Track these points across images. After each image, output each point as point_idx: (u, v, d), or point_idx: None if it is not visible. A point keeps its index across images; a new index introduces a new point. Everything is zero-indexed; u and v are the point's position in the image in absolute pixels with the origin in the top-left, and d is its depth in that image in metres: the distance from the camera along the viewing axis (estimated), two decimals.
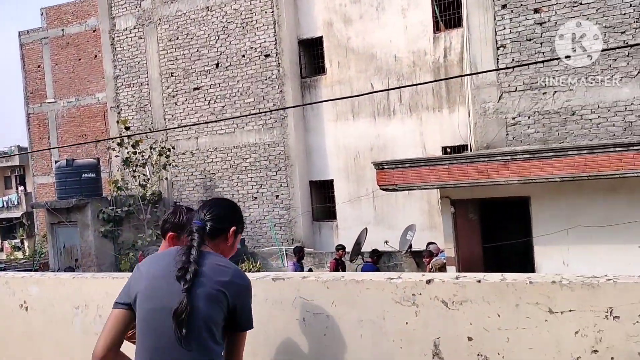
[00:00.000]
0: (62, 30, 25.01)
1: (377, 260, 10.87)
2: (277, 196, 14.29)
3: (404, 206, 13.23)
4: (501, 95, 11.35)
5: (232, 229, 2.30)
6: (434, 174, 8.04)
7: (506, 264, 10.29)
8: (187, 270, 2.07)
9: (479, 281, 2.68)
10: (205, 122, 14.19)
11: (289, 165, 14.10)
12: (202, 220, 2.24)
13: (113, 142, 14.80)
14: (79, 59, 24.45)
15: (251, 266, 12.58)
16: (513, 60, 11.09)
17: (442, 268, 9.22)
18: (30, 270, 14.21)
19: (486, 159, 7.69)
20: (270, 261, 13.79)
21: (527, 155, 7.42)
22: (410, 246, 11.89)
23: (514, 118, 11.25)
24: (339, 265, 10.89)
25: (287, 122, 14.03)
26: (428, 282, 2.76)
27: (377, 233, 13.08)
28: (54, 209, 13.37)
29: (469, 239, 8.96)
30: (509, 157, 7.55)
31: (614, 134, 10.38)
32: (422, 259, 10.22)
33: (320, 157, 14.31)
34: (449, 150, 12.80)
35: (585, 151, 7.01)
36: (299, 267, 10.77)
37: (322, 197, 14.62)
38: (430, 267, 9.60)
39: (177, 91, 15.36)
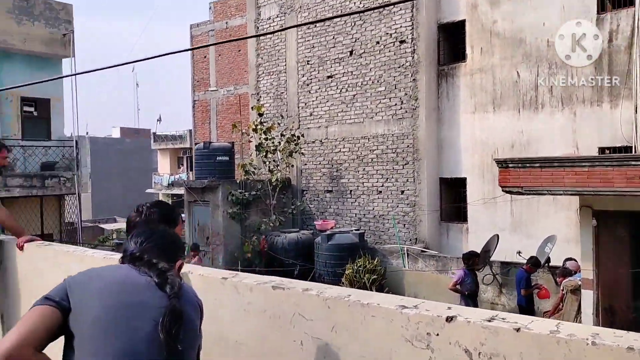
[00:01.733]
0: (226, 23, 26.72)
1: (533, 269, 9.44)
2: (403, 192, 13.46)
3: (546, 213, 11.54)
4: None
5: (179, 263, 2.05)
6: (570, 177, 6.63)
7: None
8: (167, 275, 1.82)
9: (518, 329, 1.85)
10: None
11: (417, 159, 13.17)
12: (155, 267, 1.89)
13: (249, 128, 15.24)
14: (239, 50, 25.89)
15: (367, 263, 11.98)
16: None
17: (575, 291, 7.72)
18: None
19: (639, 163, 6.11)
20: (390, 259, 13.05)
21: None
22: (548, 260, 10.29)
23: None
24: (468, 277, 9.48)
25: (418, 113, 13.09)
26: (449, 320, 1.98)
27: (512, 241, 11.61)
28: (190, 188, 14.18)
29: (613, 260, 7.33)
30: None
31: None
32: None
33: (454, 152, 13.12)
34: (607, 151, 10.81)
35: None
36: (469, 277, 9.35)
37: (453, 196, 13.43)
38: (562, 288, 8.11)
39: (311, 79, 15.28)
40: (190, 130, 38.97)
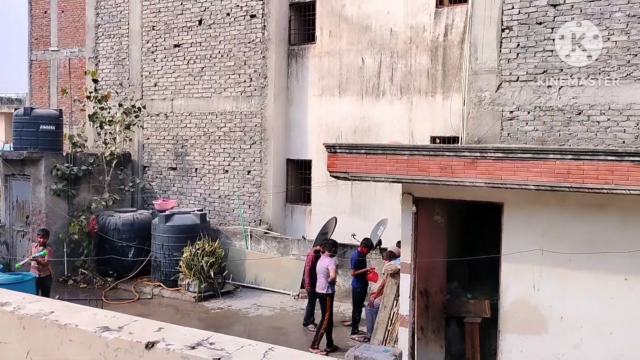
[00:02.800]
0: None
1: (366, 251, 9.66)
2: (249, 172, 13.11)
3: (383, 198, 11.93)
4: (500, 84, 9.90)
5: None
6: (392, 164, 6.74)
7: (475, 278, 8.98)
8: None
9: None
10: None
11: (264, 139, 12.86)
12: None
13: (82, 94, 13.74)
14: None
15: (207, 245, 11.46)
16: (518, 45, 9.61)
17: (395, 275, 7.98)
18: None
19: (452, 154, 6.36)
20: (234, 241, 12.68)
21: (500, 155, 6.06)
22: (380, 242, 10.64)
23: (511, 112, 9.82)
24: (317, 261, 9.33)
25: (267, 92, 12.75)
26: (148, 346, 1.59)
27: (351, 224, 11.85)
28: (6, 160, 12.43)
29: (431, 245, 7.68)
30: (478, 154, 6.20)
31: (624, 141, 8.89)
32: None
33: (301, 134, 13.04)
34: (437, 140, 11.41)
35: (569, 156, 5.64)
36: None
37: (299, 178, 13.39)
38: (384, 272, 8.37)
39: (156, 47, 14.17)
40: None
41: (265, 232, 12.56)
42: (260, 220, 12.97)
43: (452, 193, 7.08)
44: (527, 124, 9.67)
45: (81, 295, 11.25)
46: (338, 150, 7.07)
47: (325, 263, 8.92)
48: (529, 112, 9.61)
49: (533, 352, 6.60)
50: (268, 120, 12.77)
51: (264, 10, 12.66)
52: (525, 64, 9.62)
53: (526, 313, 6.70)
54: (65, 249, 12.43)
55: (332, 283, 8.85)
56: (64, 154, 12.62)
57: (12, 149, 12.81)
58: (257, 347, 1.58)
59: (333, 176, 7.19)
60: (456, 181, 6.37)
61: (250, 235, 12.53)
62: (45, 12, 24.97)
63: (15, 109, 13.28)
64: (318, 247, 9.74)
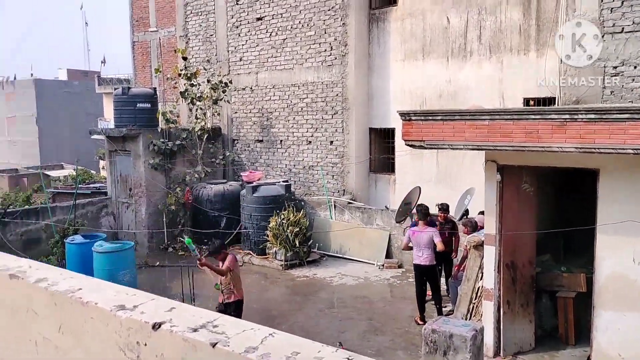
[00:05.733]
0: None
1: (423, 218, 8.48)
2: (332, 142, 13.06)
3: (471, 164, 11.36)
4: (602, 36, 8.92)
5: None
6: (470, 130, 6.32)
7: (569, 250, 8.33)
8: None
9: (214, 345, 1.48)
10: None
11: (346, 108, 12.71)
12: None
13: (173, 72, 14.37)
14: None
15: (291, 215, 11.67)
16: None
17: (479, 247, 7.60)
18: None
19: (538, 117, 5.81)
20: (318, 211, 12.80)
21: (592, 116, 5.44)
22: (466, 212, 10.19)
23: (615, 67, 8.87)
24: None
25: (347, 60, 12.52)
26: (155, 327, 1.59)
27: (436, 193, 11.45)
28: (109, 137, 13.38)
29: (518, 216, 7.18)
30: (567, 116, 5.61)
31: None
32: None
33: (383, 102, 12.70)
34: (531, 102, 10.59)
35: None
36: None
37: (383, 147, 13.12)
38: (466, 244, 8.00)
39: (240, 21, 14.39)
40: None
41: (349, 202, 12.53)
42: (344, 190, 12.95)
43: (540, 159, 6.54)
44: (633, 80, 8.68)
45: (179, 262, 11.99)
46: (413, 118, 6.77)
47: (429, 234, 8.32)
48: (635, 67, 8.61)
49: (631, 331, 6.03)
50: (349, 89, 12.58)
51: None
52: (632, 12, 8.57)
53: (624, 288, 6.10)
54: (164, 219, 13.25)
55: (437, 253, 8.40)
56: (159, 130, 13.34)
57: (114, 126, 13.74)
58: (258, 333, 1.51)
59: (408, 145, 6.90)
60: (543, 147, 5.85)
61: (334, 205, 12.56)
62: None
63: (116, 89, 14.15)
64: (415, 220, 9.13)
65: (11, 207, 14.94)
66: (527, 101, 10.70)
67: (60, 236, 11.58)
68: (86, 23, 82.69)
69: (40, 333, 2.11)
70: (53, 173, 33.40)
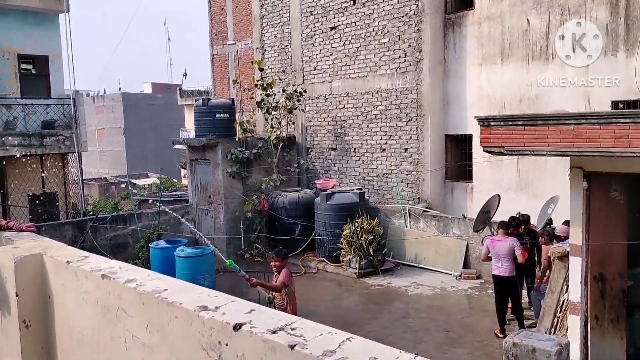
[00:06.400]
0: None
1: (505, 227, 8.25)
2: (406, 149, 12.92)
3: (554, 172, 10.84)
4: None
5: None
6: (554, 136, 6.03)
7: None
8: None
9: (293, 347, 1.53)
10: None
11: (421, 115, 12.54)
12: None
13: (250, 83, 14.82)
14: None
15: (365, 223, 11.64)
16: None
17: (564, 258, 7.21)
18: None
19: (628, 121, 5.45)
20: (392, 219, 12.68)
21: None
22: (549, 222, 9.71)
23: None
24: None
25: (422, 66, 12.36)
26: (236, 328, 1.66)
27: (517, 202, 11.03)
28: (190, 146, 14.00)
29: (607, 225, 6.75)
30: None
31: None
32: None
33: (460, 108, 12.42)
34: (620, 105, 9.97)
35: None
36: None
37: (459, 154, 12.81)
38: (549, 255, 7.61)
39: (315, 31, 14.62)
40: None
41: (424, 211, 12.32)
42: (419, 198, 12.75)
43: (632, 166, 6.13)
44: None
45: (256, 268, 12.28)
46: (492, 123, 6.56)
47: (510, 244, 8.03)
48: None
49: None
50: (424, 96, 12.40)
51: None
52: None
53: None
54: (241, 226, 13.65)
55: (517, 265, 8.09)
56: (237, 139, 13.78)
57: (195, 136, 14.36)
58: (335, 337, 1.53)
59: (487, 151, 6.69)
60: (634, 152, 5.48)
61: (409, 213, 12.40)
62: (222, 9, 27.32)
63: (196, 101, 14.80)
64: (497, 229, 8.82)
65: (101, 213, 15.97)
66: (615, 104, 10.08)
67: (146, 241, 12.23)
68: (169, 39, 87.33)
69: (129, 330, 2.24)
70: (139, 181, 35.37)
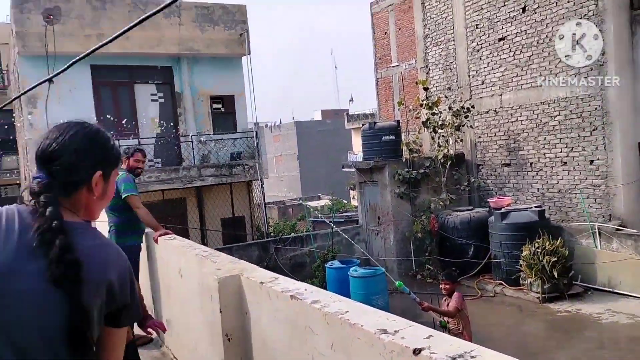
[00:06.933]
0: None
1: None
2: (592, 161, 11.72)
3: None
4: None
5: (98, 173, 1.57)
6: None
7: None
8: (65, 261, 1.40)
9: None
10: None
11: (607, 123, 11.30)
12: (49, 172, 1.50)
13: (415, 103, 14.85)
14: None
15: (547, 243, 10.77)
16: None
17: None
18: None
19: None
20: (579, 239, 11.54)
21: None
22: None
23: None
24: None
25: (605, 70, 11.19)
26: (416, 352, 1.76)
27: None
28: (358, 169, 14.44)
29: None
30: None
31: None
32: None
33: None
34: None
35: None
36: None
37: None
38: None
39: (481, 44, 14.16)
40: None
41: (617, 229, 10.99)
42: (610, 215, 11.43)
43: None
44: None
45: (428, 289, 12.11)
46: None
47: None
48: None
49: None
50: (610, 102, 11.18)
51: None
52: None
53: None
54: (411, 246, 13.61)
55: None
56: (403, 160, 13.87)
57: (362, 159, 14.80)
58: None
59: None
60: None
61: (599, 232, 11.16)
62: (385, 33, 27.98)
63: (362, 124, 15.29)
64: None
65: (280, 234, 17.23)
66: None
67: (321, 261, 12.87)
68: (335, 67, 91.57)
69: (316, 348, 2.40)
70: (312, 203, 37.49)
